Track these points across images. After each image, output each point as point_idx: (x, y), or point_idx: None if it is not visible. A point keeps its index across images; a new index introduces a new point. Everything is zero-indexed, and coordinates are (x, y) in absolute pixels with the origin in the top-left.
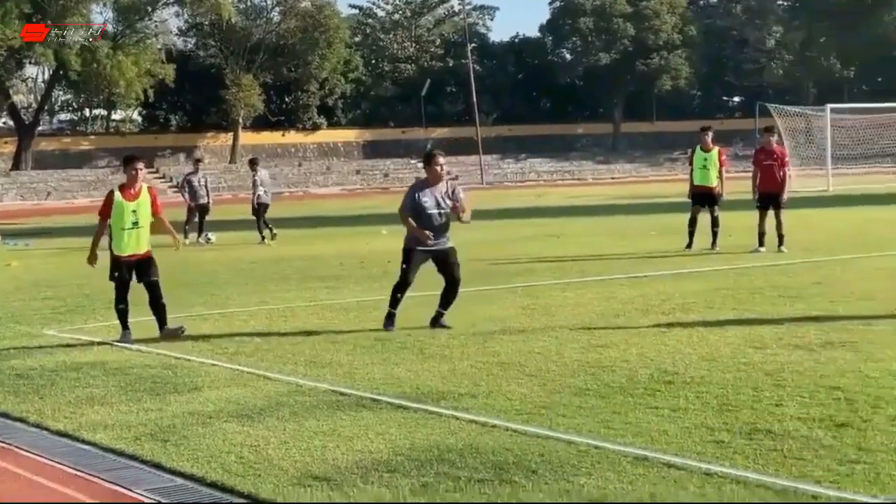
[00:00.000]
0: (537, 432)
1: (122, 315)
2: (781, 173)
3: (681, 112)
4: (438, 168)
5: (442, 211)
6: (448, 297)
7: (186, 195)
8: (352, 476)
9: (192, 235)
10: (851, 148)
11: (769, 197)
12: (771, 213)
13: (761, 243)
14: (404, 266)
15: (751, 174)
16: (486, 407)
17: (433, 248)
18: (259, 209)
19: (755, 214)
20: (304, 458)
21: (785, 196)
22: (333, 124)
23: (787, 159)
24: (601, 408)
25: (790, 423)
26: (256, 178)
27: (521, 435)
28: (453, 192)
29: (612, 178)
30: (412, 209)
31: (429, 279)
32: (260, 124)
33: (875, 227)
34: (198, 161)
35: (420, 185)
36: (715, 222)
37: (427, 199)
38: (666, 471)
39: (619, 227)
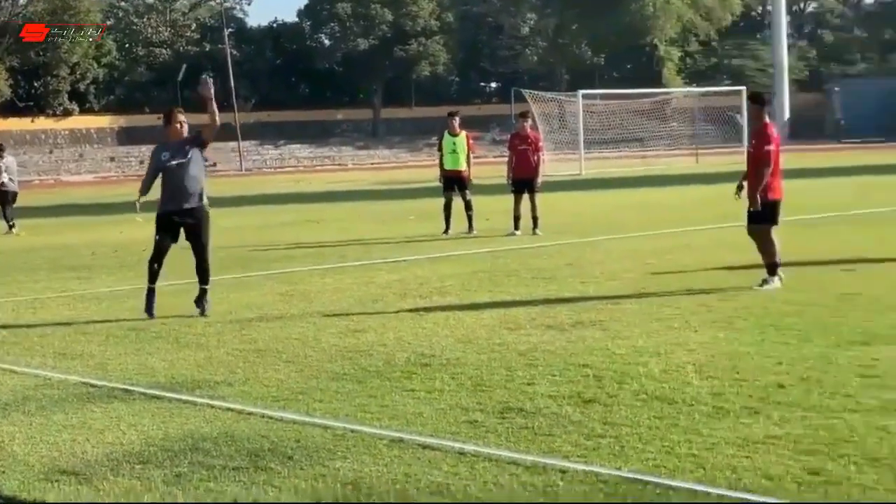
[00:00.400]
0: (294, 418)
1: None
2: (535, 158)
3: (439, 97)
4: (178, 126)
5: (183, 161)
6: (201, 271)
7: None
8: (102, 469)
9: None
10: (602, 132)
11: (523, 181)
12: (526, 197)
13: (517, 227)
14: (157, 236)
15: (506, 159)
16: (242, 394)
17: (182, 208)
18: (5, 197)
19: (511, 198)
20: (52, 453)
21: (539, 180)
22: (86, 110)
23: (541, 144)
24: (358, 392)
25: (541, 400)
26: (1, 164)
27: (277, 421)
28: (195, 137)
29: (372, 164)
30: (155, 172)
31: (183, 267)
32: (7, 110)
33: (623, 210)
34: None
35: (160, 147)
36: (468, 206)
37: (166, 154)
38: (421, 452)
39: (379, 213)
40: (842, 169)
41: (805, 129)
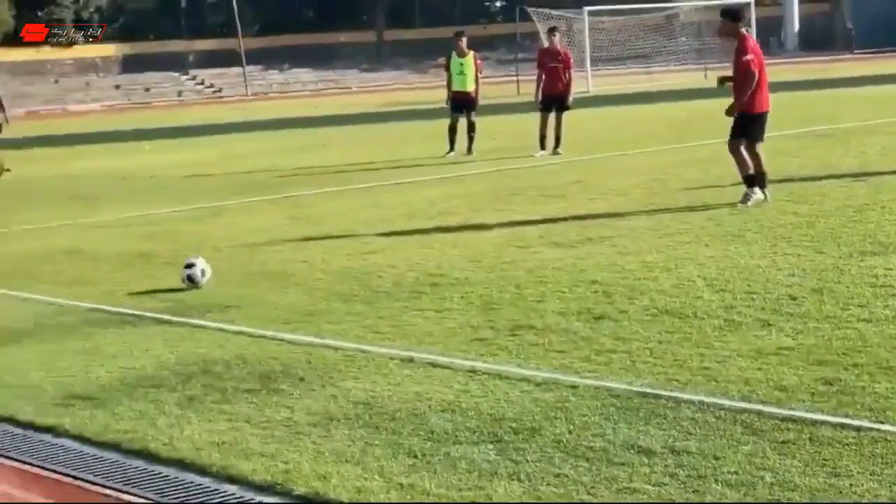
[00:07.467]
0: (304, 340)
1: None
2: (566, 75)
3: (444, 18)
4: None
5: None
6: None
7: None
8: (116, 394)
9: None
10: (609, 49)
11: (553, 99)
12: (552, 115)
13: (543, 146)
14: None
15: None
16: (252, 318)
17: None
18: None
19: (515, 118)
20: (66, 379)
21: (571, 98)
22: (90, 39)
23: (571, 61)
24: (367, 313)
25: (551, 317)
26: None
27: (287, 344)
28: None
29: (377, 87)
30: None
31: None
32: (12, 41)
33: (631, 126)
34: None
35: None
36: (471, 128)
37: None
38: (431, 370)
39: (384, 135)
40: (854, 79)
41: (815, 39)
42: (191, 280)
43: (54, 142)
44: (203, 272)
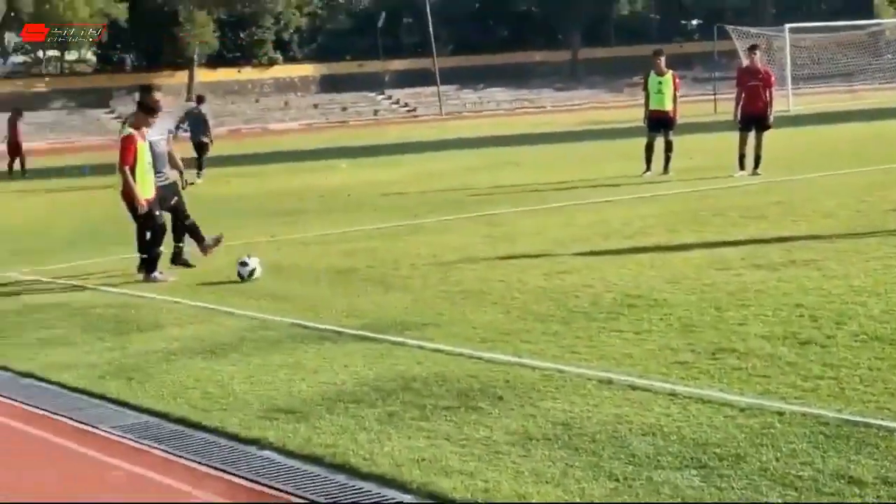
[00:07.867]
0: (502, 359)
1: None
2: (767, 94)
3: (639, 36)
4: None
5: (163, 138)
6: (184, 230)
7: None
8: (317, 408)
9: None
10: (811, 67)
11: (753, 118)
12: (751, 134)
13: (742, 166)
14: (157, 212)
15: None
16: (450, 336)
17: (166, 182)
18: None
19: (713, 137)
20: (269, 392)
21: (772, 117)
22: (289, 59)
23: (772, 79)
24: (564, 333)
25: (754, 341)
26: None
27: (485, 362)
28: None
29: (572, 105)
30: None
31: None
32: (215, 61)
33: (835, 146)
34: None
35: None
36: (668, 147)
37: (150, 130)
38: (631, 392)
39: (579, 154)
40: None
41: None
42: (242, 264)
43: (255, 160)
44: (249, 255)
